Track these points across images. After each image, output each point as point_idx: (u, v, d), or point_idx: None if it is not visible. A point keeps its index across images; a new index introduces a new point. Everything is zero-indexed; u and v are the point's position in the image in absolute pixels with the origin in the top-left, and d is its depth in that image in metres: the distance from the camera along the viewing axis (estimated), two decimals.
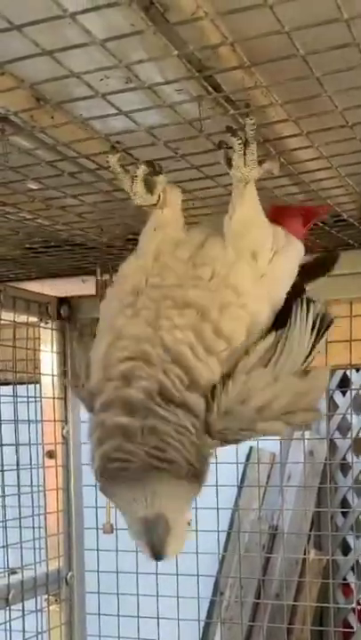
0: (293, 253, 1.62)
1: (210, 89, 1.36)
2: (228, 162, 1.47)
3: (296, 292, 1.59)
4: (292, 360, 1.52)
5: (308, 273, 1.69)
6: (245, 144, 1.44)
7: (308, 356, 1.55)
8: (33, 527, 2.85)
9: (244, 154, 1.44)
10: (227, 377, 1.44)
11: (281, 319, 1.53)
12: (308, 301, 1.56)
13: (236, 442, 1.53)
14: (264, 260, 1.52)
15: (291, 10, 1.10)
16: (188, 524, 1.53)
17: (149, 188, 1.53)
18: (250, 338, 1.48)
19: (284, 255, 1.57)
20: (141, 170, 1.50)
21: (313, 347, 1.56)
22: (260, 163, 1.48)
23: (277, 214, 1.65)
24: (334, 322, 1.61)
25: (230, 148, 1.45)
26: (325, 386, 1.70)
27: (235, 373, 1.44)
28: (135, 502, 1.45)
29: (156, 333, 1.45)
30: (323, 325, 1.58)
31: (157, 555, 1.47)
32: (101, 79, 1.32)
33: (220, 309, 1.45)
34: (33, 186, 1.78)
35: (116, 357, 1.48)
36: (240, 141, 1.43)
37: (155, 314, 1.47)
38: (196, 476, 1.46)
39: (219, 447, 1.50)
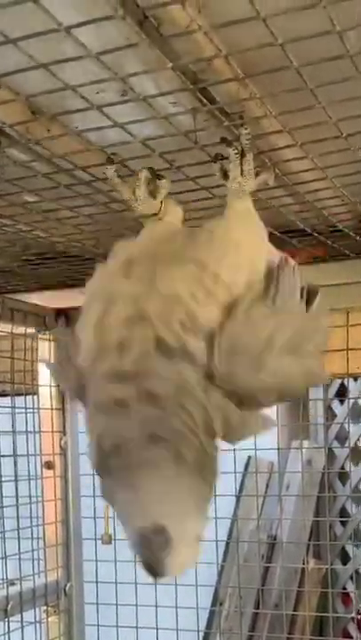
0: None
1: (204, 101, 1.37)
2: (225, 174, 1.47)
3: None
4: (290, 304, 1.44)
5: None
6: (241, 154, 1.44)
7: None
8: (31, 538, 2.84)
9: (241, 164, 1.45)
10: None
11: None
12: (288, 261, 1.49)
13: (249, 400, 1.35)
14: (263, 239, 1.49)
15: (284, 22, 1.11)
16: (200, 538, 1.34)
17: (152, 195, 1.52)
18: (250, 291, 1.39)
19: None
20: (144, 174, 1.50)
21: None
22: (256, 174, 1.48)
23: None
24: (319, 291, 1.53)
25: (226, 159, 1.46)
26: (326, 325, 1.55)
27: (233, 313, 1.34)
28: (130, 506, 1.30)
29: (152, 287, 1.34)
30: (310, 296, 1.50)
31: (154, 574, 1.29)
32: (97, 92, 1.33)
33: (219, 260, 1.37)
34: (29, 198, 1.79)
35: (110, 323, 1.37)
36: (236, 152, 1.43)
37: (151, 273, 1.37)
38: (203, 465, 1.32)
39: (228, 412, 1.33)
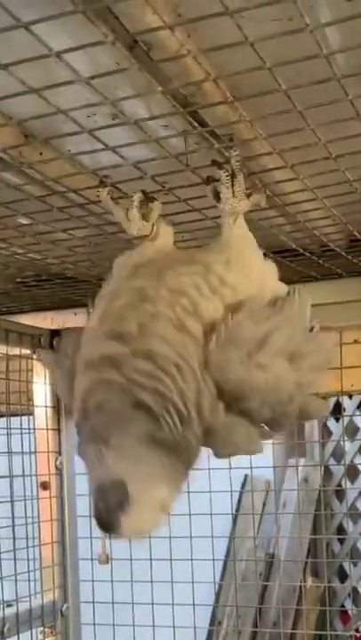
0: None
1: (195, 124, 1.38)
2: (217, 195, 1.49)
3: None
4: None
5: None
6: (232, 176, 1.45)
7: None
8: (27, 559, 2.84)
9: (232, 186, 1.46)
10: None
11: None
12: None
13: (235, 402, 1.32)
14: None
15: (272, 46, 1.12)
16: (164, 508, 1.32)
17: (144, 217, 1.53)
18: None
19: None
20: (137, 197, 1.51)
21: None
22: (248, 196, 1.49)
23: None
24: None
25: (218, 181, 1.47)
26: (332, 347, 1.54)
27: (237, 309, 1.33)
28: (97, 461, 1.27)
29: (159, 281, 1.35)
30: None
31: (106, 528, 1.26)
32: (88, 115, 1.34)
33: (226, 263, 1.39)
34: (23, 221, 1.80)
35: (113, 308, 1.37)
36: (227, 174, 1.45)
37: (157, 272, 1.38)
38: (179, 446, 1.28)
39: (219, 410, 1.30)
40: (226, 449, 1.40)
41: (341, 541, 5.01)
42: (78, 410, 1.33)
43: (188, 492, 2.93)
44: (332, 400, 4.62)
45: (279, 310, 1.40)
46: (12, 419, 2.81)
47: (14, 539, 2.75)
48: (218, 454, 1.41)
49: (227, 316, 1.31)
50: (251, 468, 2.84)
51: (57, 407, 2.85)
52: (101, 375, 1.30)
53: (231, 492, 3.13)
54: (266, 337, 1.33)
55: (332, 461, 4.93)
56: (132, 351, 1.28)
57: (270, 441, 3.05)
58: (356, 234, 2.01)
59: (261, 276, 1.44)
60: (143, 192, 1.52)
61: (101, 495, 1.25)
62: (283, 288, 1.48)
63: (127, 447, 1.26)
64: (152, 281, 1.36)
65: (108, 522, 1.25)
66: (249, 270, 1.41)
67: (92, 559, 3.04)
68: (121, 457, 1.26)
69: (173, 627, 3.02)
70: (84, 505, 2.97)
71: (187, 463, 1.32)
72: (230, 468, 2.86)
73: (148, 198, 1.53)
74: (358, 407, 4.91)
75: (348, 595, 4.78)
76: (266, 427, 1.40)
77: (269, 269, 1.49)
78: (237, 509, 4.50)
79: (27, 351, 2.78)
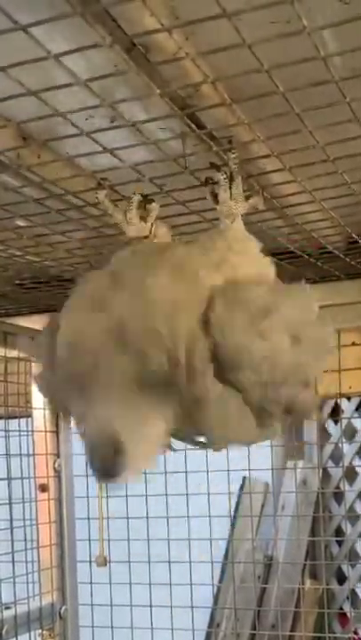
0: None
1: (193, 126, 1.38)
2: (215, 198, 1.49)
3: None
4: None
5: None
6: (230, 178, 1.46)
7: None
8: (26, 561, 2.84)
9: (230, 188, 1.46)
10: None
11: None
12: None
13: (229, 372, 1.28)
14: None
15: (269, 49, 1.12)
16: (161, 443, 1.30)
17: (142, 218, 1.53)
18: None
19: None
20: (136, 198, 1.51)
21: None
22: (247, 198, 1.49)
23: None
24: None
25: (216, 183, 1.47)
26: (331, 344, 1.48)
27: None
28: (82, 411, 1.26)
29: (153, 257, 1.34)
30: None
31: (107, 474, 1.24)
32: (86, 118, 1.34)
33: (226, 248, 1.39)
34: (21, 223, 1.80)
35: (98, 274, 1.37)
36: (225, 176, 1.45)
37: (149, 255, 1.38)
38: (168, 391, 1.24)
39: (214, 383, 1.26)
40: (220, 429, 1.34)
41: (340, 543, 5.00)
42: (66, 358, 1.30)
43: (187, 494, 2.94)
44: (331, 402, 4.62)
45: (287, 291, 1.39)
46: (11, 421, 2.81)
47: (12, 541, 2.75)
48: (214, 441, 1.39)
49: (233, 281, 1.30)
50: (249, 470, 2.85)
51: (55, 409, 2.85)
52: (91, 314, 1.27)
53: (229, 494, 3.13)
54: (272, 307, 1.31)
55: (330, 464, 4.92)
56: (127, 291, 1.26)
57: (268, 443, 3.06)
58: (355, 236, 2.01)
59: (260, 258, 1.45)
60: (141, 194, 1.53)
61: (96, 451, 1.23)
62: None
63: (114, 393, 1.23)
64: (143, 262, 1.34)
65: (106, 474, 1.24)
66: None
67: (90, 561, 3.04)
68: (109, 404, 1.23)
69: (172, 629, 3.01)
70: (82, 507, 2.97)
71: (180, 401, 1.26)
72: (229, 471, 2.87)
73: (145, 200, 1.53)
74: (357, 409, 4.90)
75: (347, 597, 4.77)
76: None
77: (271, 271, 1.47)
78: (236, 511, 4.50)
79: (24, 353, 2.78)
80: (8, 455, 2.76)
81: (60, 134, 1.40)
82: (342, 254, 2.14)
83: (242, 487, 4.60)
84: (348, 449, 4.79)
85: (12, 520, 2.78)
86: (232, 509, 4.10)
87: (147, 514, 3.02)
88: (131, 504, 3.02)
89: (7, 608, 2.69)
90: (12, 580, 2.73)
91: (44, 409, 2.84)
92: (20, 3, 1.03)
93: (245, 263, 1.38)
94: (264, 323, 1.29)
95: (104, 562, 3.01)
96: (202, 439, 1.41)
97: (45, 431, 2.85)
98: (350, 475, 4.90)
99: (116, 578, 2.97)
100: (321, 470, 4.71)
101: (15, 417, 2.84)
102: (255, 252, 1.45)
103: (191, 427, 1.33)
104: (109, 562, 3.00)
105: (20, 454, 2.84)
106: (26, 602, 2.76)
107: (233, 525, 4.50)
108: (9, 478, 2.77)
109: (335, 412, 4.72)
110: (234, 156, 1.43)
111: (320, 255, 2.16)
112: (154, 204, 1.54)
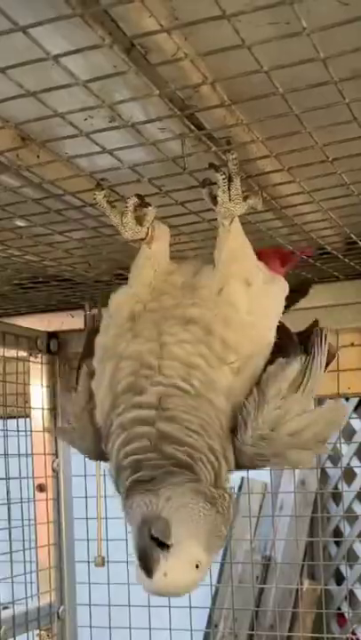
0: (279, 288, 1.63)
1: (192, 127, 1.38)
2: (213, 199, 1.49)
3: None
4: (316, 386, 1.54)
5: (286, 298, 1.68)
6: (229, 179, 1.45)
7: None
8: (24, 561, 2.84)
9: (229, 189, 1.46)
10: (259, 398, 1.45)
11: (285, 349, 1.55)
12: (323, 331, 1.62)
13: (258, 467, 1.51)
14: (257, 286, 1.53)
15: (269, 50, 1.12)
16: (197, 566, 1.39)
17: (139, 221, 1.54)
18: (257, 351, 1.49)
19: (272, 289, 1.58)
20: (132, 201, 1.52)
21: None
22: (245, 198, 1.49)
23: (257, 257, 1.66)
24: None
25: (214, 184, 1.47)
26: (345, 417, 1.71)
27: (269, 397, 1.44)
28: (145, 507, 1.38)
29: (162, 348, 1.45)
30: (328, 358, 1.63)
31: (142, 557, 1.35)
32: (85, 118, 1.34)
33: (223, 323, 1.46)
34: (20, 223, 1.80)
35: (118, 379, 1.48)
36: (224, 177, 1.45)
37: (157, 332, 1.47)
38: (219, 503, 1.43)
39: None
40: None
41: (338, 544, 5.01)
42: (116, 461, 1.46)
43: None
44: None
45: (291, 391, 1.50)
46: (9, 421, 2.81)
47: (10, 541, 2.75)
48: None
49: (258, 406, 1.44)
50: (247, 470, 2.84)
51: (54, 409, 2.85)
52: (135, 430, 1.43)
53: None
54: (299, 431, 1.49)
55: (328, 464, 4.93)
56: (158, 415, 1.42)
57: None
58: (354, 237, 2.01)
59: (263, 309, 1.54)
60: (138, 196, 1.53)
61: (144, 525, 1.35)
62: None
63: (174, 496, 1.38)
64: (152, 343, 1.47)
65: (146, 554, 1.34)
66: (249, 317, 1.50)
67: (88, 561, 3.04)
68: (169, 503, 1.37)
69: (170, 629, 3.01)
70: (80, 507, 2.97)
71: (225, 515, 1.46)
72: None
73: (142, 203, 1.53)
74: (355, 410, 4.91)
75: (345, 597, 4.78)
76: None
77: (272, 294, 1.58)
78: (234, 512, 4.50)
79: (23, 353, 2.78)
80: (6, 455, 2.76)
81: (59, 135, 1.40)
82: (341, 255, 2.14)
83: (240, 488, 4.60)
84: (346, 449, 4.79)
85: (10, 520, 2.78)
86: None
87: None
88: None
89: (5, 608, 2.69)
90: (10, 580, 2.72)
91: (43, 409, 2.85)
92: (19, 4, 1.03)
93: (244, 339, 1.49)
94: (273, 433, 1.47)
95: (102, 562, 3.01)
96: None
97: (44, 431, 2.85)
98: (348, 475, 4.90)
99: (115, 578, 2.97)
100: (319, 471, 4.71)
101: (13, 417, 2.84)
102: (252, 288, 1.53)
103: None
104: (107, 562, 2.99)
105: (19, 454, 2.84)
106: (24, 602, 2.76)
107: (231, 526, 4.50)
108: (7, 478, 2.77)
109: None
110: (233, 156, 1.42)
111: (319, 256, 2.16)
112: (150, 209, 1.54)
